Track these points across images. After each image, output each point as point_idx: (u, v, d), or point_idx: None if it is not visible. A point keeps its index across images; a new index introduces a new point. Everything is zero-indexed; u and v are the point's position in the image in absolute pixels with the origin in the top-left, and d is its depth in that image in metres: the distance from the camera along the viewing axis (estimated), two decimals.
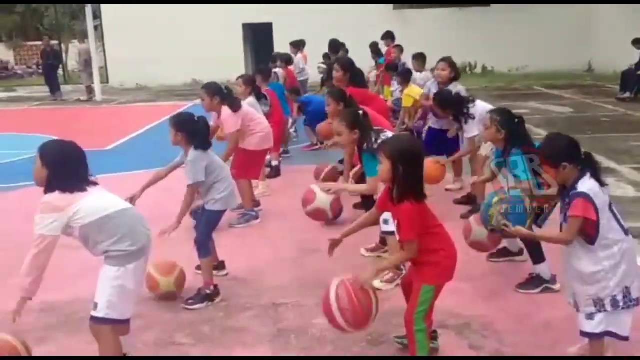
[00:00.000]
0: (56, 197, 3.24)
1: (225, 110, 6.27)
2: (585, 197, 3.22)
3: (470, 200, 6.39)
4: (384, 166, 3.31)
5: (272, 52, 24.00)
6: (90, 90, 19.48)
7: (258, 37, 24.73)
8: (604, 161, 8.28)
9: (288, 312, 4.36)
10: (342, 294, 3.40)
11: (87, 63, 19.34)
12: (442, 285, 3.36)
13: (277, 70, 11.96)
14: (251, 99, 7.14)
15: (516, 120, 4.68)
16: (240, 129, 6.33)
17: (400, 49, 12.39)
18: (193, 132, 4.56)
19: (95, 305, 3.32)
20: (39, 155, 3.36)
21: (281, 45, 23.30)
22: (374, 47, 14.05)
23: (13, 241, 5.90)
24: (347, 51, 12.24)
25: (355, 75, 7.39)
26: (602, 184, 3.32)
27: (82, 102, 19.06)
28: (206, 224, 4.64)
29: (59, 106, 18.52)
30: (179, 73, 23.42)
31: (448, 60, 7.26)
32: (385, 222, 4.61)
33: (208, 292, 4.52)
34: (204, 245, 4.58)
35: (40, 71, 32.27)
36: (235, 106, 6.30)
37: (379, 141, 4.62)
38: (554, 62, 22.41)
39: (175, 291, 4.58)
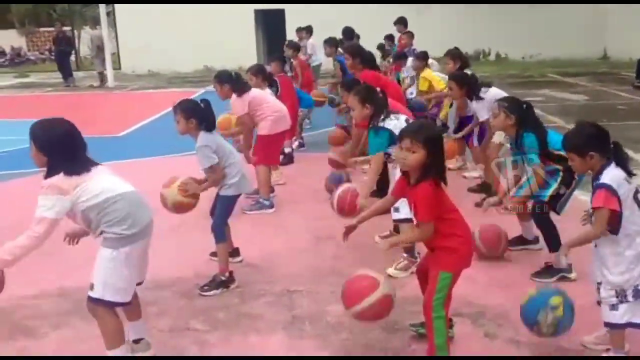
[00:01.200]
0: (61, 178, 3.17)
1: (233, 95, 6.30)
2: (608, 187, 3.19)
3: (484, 189, 6.37)
4: (418, 155, 3.21)
5: (284, 39, 24.08)
6: (102, 77, 19.54)
7: (270, 24, 24.65)
8: None
9: (302, 299, 4.36)
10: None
11: (99, 49, 19.39)
12: (459, 272, 3.33)
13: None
14: (267, 90, 7.12)
15: (524, 105, 4.65)
16: (248, 112, 6.33)
17: (410, 35, 12.26)
18: (204, 116, 4.49)
19: (92, 286, 3.30)
20: (31, 140, 3.26)
21: (293, 32, 23.26)
22: (387, 35, 13.88)
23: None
24: (358, 38, 12.11)
25: (365, 59, 7.33)
26: (629, 174, 3.27)
27: (95, 88, 19.13)
28: (221, 209, 4.63)
29: (71, 92, 18.59)
30: (190, 60, 23.41)
31: (450, 54, 7.32)
32: (396, 209, 4.61)
33: (223, 278, 4.53)
34: (220, 230, 4.57)
35: (53, 57, 32.63)
36: (239, 91, 6.30)
37: (388, 123, 4.63)
38: (569, 50, 22.20)
39: (184, 201, 4.51)
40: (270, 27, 24.67)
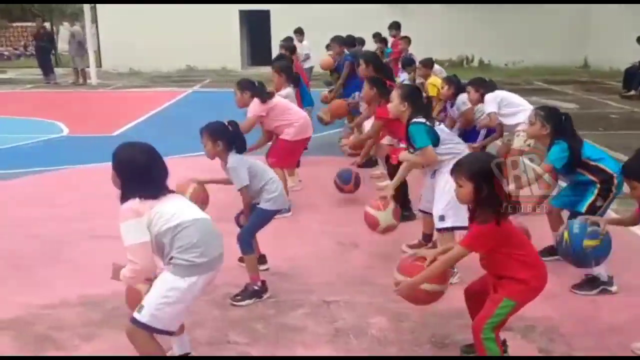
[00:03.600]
0: (137, 202, 3.06)
1: (255, 100, 6.14)
2: None
3: None
4: (464, 189, 3.11)
5: (269, 40, 23.90)
6: (83, 74, 19.07)
7: (255, 24, 24.43)
8: (623, 158, 8.22)
9: (341, 310, 4.20)
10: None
11: (80, 45, 18.95)
12: (524, 304, 3.21)
13: None
14: (289, 89, 6.99)
15: (562, 117, 4.59)
16: (260, 116, 6.17)
17: (407, 40, 12.22)
18: (232, 137, 4.39)
19: (141, 308, 3.09)
20: (112, 163, 3.16)
21: (278, 33, 23.08)
22: (379, 37, 13.76)
23: (31, 232, 5.71)
24: (363, 44, 11.87)
25: (380, 68, 7.26)
26: None
27: (78, 86, 18.68)
28: (255, 221, 4.46)
29: (54, 90, 18.12)
30: (173, 59, 23.08)
31: (447, 79, 7.35)
32: (442, 218, 4.50)
33: (256, 288, 4.36)
34: (247, 242, 4.40)
35: (28, 53, 31.87)
36: (265, 98, 6.16)
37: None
38: (550, 58, 22.43)
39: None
40: (255, 28, 24.46)
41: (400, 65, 10.60)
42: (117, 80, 20.65)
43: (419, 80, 9.22)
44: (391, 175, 6.05)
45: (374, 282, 4.58)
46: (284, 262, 5.00)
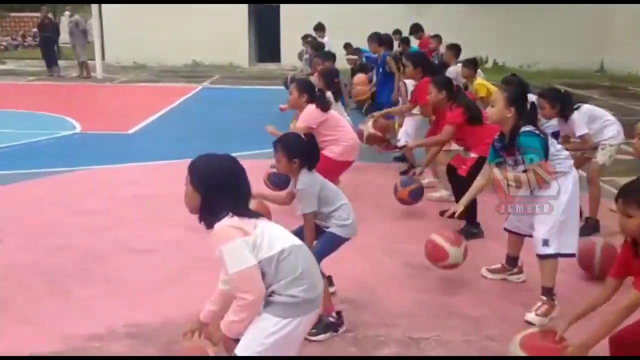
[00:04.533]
0: (237, 220, 2.52)
1: (311, 106, 5.55)
2: None
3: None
4: (636, 219, 2.60)
5: (278, 36, 23.29)
6: (86, 67, 18.37)
7: (264, 20, 23.79)
8: None
9: (434, 350, 3.63)
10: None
11: (84, 35, 18.26)
12: None
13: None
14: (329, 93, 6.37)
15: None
16: (314, 129, 5.55)
17: (439, 38, 11.65)
18: (308, 153, 3.82)
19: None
20: (188, 178, 2.63)
21: (288, 28, 22.47)
22: (401, 36, 13.07)
23: (59, 242, 5.09)
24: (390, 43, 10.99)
25: (428, 68, 6.73)
26: None
27: (83, 79, 18.00)
28: (325, 246, 3.85)
29: (59, 82, 17.42)
30: (178, 53, 22.44)
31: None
32: (545, 243, 3.92)
33: (332, 320, 3.77)
34: None
35: (26, 44, 31.10)
36: (325, 106, 5.58)
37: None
38: (566, 60, 21.94)
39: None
40: (264, 24, 23.82)
41: None
42: (122, 73, 19.98)
43: (462, 81, 8.63)
44: (457, 188, 5.49)
45: (463, 314, 4.01)
46: (348, 284, 4.40)
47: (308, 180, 3.79)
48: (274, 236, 2.57)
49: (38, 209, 5.96)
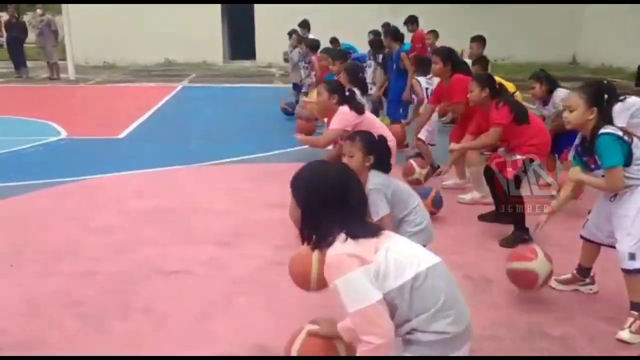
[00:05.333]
0: (353, 245, 2.12)
1: (344, 107, 5.18)
2: None
3: None
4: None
5: (252, 33, 22.78)
6: (56, 68, 17.62)
7: (237, 17, 23.26)
8: None
9: None
10: None
11: (55, 36, 17.50)
12: None
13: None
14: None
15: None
16: (348, 131, 5.18)
17: (436, 34, 11.35)
18: (380, 152, 3.62)
19: None
20: (295, 191, 2.30)
21: (263, 25, 22.00)
22: (392, 30, 12.54)
23: (79, 266, 4.60)
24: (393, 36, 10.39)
25: (458, 65, 6.46)
26: None
27: (52, 81, 17.24)
28: None
29: (30, 85, 16.64)
30: (151, 52, 21.82)
31: (536, 76, 6.44)
32: (632, 257, 3.62)
33: None
34: None
35: None
36: (359, 108, 5.22)
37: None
38: (539, 54, 21.99)
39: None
40: (237, 21, 23.30)
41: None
42: (93, 74, 19.27)
43: None
44: (498, 192, 5.22)
45: (547, 334, 3.69)
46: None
47: (380, 181, 3.55)
48: (402, 258, 2.16)
49: (48, 227, 5.45)
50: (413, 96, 7.93)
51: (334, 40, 12.32)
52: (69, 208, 5.99)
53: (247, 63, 22.77)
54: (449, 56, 6.40)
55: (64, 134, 9.64)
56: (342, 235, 2.15)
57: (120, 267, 4.59)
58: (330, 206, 2.19)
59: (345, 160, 3.59)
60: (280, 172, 7.19)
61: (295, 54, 11.17)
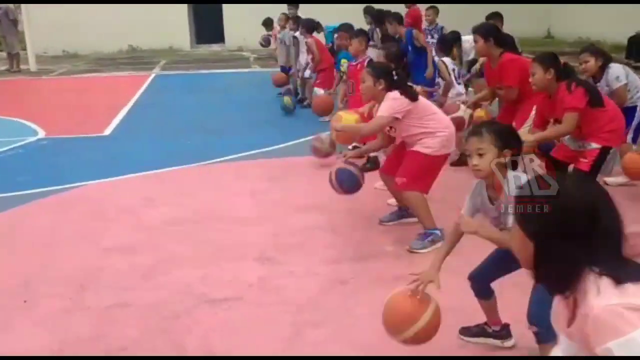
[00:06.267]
0: (626, 295, 1.55)
1: (395, 92, 4.51)
2: None
3: None
4: None
5: (220, 18, 21.79)
6: (17, 59, 16.45)
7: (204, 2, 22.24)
8: None
9: None
10: None
11: (14, 25, 16.31)
12: None
13: (298, 36, 9.95)
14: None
15: None
16: (398, 119, 4.54)
17: (436, 10, 10.68)
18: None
19: None
20: (518, 219, 1.73)
21: (232, 6, 21.07)
22: (395, 15, 11.48)
23: (108, 298, 3.85)
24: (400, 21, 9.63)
25: (501, 40, 5.85)
26: None
27: (13, 73, 16.08)
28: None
29: None
30: (113, 39, 20.67)
31: (589, 50, 5.79)
32: None
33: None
34: (547, 322, 2.68)
35: None
36: (412, 94, 4.55)
37: None
38: (513, 28, 21.59)
39: None
40: (204, 6, 22.26)
41: (436, 45, 7.98)
42: (54, 64, 18.11)
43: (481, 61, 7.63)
44: None
45: None
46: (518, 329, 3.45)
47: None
48: None
49: (56, 250, 4.66)
50: (438, 80, 7.28)
51: (317, 25, 11.58)
52: (73, 223, 5.20)
53: (215, 47, 21.82)
54: (490, 32, 5.77)
55: (41, 133, 8.74)
56: (607, 280, 1.55)
57: (156, 296, 3.88)
58: (574, 238, 1.59)
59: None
60: (301, 168, 6.56)
61: (287, 35, 10.42)
